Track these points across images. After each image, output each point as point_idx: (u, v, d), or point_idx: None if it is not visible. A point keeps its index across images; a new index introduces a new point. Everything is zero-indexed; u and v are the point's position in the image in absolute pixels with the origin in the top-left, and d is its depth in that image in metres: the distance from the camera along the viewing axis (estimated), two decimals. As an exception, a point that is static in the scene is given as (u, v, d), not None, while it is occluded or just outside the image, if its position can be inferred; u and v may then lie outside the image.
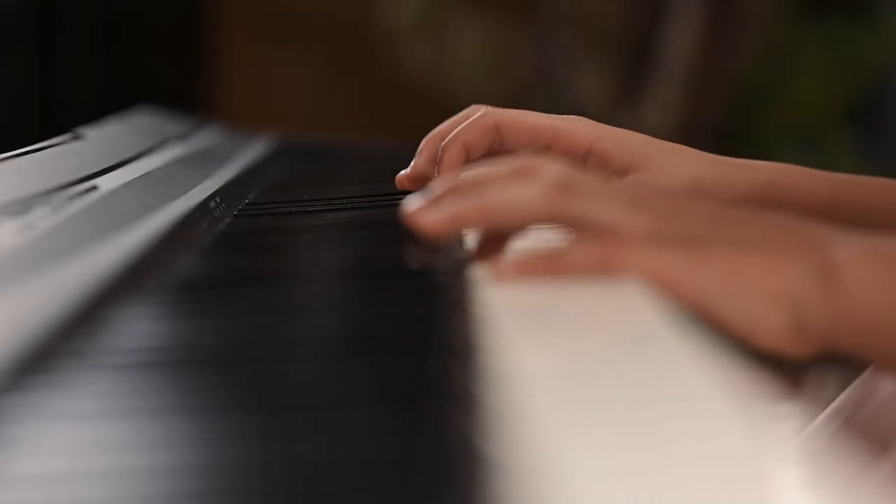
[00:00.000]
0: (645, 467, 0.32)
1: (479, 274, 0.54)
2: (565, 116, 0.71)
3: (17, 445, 0.35)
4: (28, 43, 2.99)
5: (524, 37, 2.65)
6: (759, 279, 0.51)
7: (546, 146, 0.69)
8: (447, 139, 0.69)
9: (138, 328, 0.47)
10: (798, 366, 1.85)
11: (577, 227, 0.53)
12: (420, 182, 0.71)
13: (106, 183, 0.70)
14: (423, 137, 0.75)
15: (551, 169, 0.52)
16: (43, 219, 0.57)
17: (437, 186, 0.55)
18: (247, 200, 0.81)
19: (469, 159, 0.68)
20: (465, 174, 0.56)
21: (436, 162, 0.69)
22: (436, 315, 0.47)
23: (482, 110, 0.70)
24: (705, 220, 0.53)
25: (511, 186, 0.52)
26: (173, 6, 3.30)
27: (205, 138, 1.06)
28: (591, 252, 0.52)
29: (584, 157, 0.69)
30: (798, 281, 0.51)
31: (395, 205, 0.74)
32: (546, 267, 0.52)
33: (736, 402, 0.36)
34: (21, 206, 0.59)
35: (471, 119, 0.69)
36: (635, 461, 0.32)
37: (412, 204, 0.54)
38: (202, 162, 0.92)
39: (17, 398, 0.38)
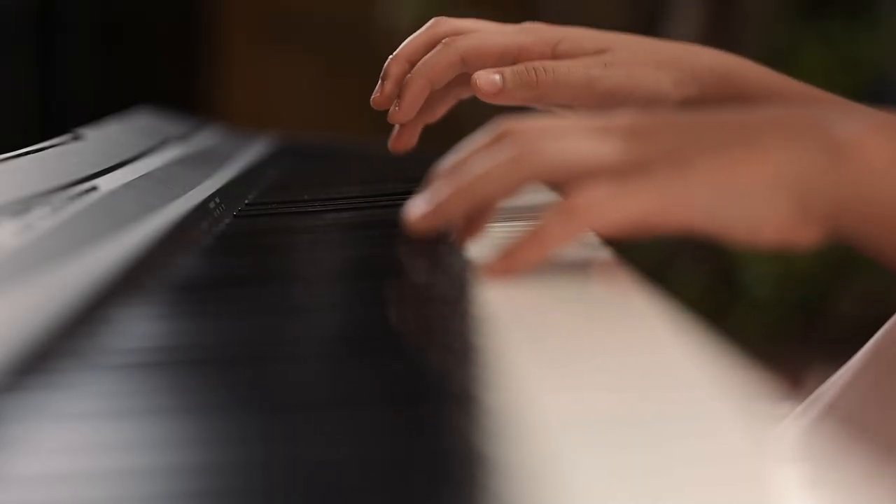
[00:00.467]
0: (645, 467, 0.32)
1: (479, 274, 0.54)
2: (523, 27, 0.72)
3: (17, 445, 0.35)
4: (28, 43, 2.99)
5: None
6: (750, 175, 0.49)
7: (512, 62, 0.71)
8: (412, 74, 0.70)
9: (138, 328, 0.47)
10: (798, 366, 1.85)
11: (556, 177, 0.52)
12: (387, 106, 0.73)
13: (106, 183, 0.70)
14: (422, 137, 0.75)
15: (522, 127, 0.52)
16: (43, 219, 0.57)
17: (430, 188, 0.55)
18: (246, 201, 0.81)
19: (433, 89, 0.71)
20: (447, 164, 0.56)
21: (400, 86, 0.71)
22: (436, 315, 0.47)
23: (445, 37, 0.71)
24: (681, 130, 0.51)
25: (488, 158, 0.52)
26: (173, 6, 3.30)
27: (205, 138, 1.06)
28: (567, 221, 0.50)
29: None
30: (796, 164, 0.49)
31: (395, 205, 0.74)
32: (531, 251, 0.52)
33: (736, 402, 0.36)
34: (21, 206, 0.59)
35: (434, 53, 0.70)
36: (635, 461, 0.32)
37: (411, 209, 0.54)
38: (202, 162, 0.92)
39: (17, 398, 0.38)
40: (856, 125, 0.51)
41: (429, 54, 0.71)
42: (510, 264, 0.52)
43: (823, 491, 0.30)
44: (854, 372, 0.60)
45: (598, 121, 0.53)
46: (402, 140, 0.75)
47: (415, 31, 0.74)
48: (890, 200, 0.50)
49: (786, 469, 0.32)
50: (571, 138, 0.52)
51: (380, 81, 0.73)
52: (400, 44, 0.73)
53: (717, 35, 2.54)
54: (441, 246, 0.57)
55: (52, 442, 0.36)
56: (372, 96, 0.74)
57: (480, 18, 0.75)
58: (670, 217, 0.49)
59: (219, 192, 0.79)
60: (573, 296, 0.51)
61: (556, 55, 0.70)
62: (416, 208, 0.54)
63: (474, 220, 0.56)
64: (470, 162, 0.53)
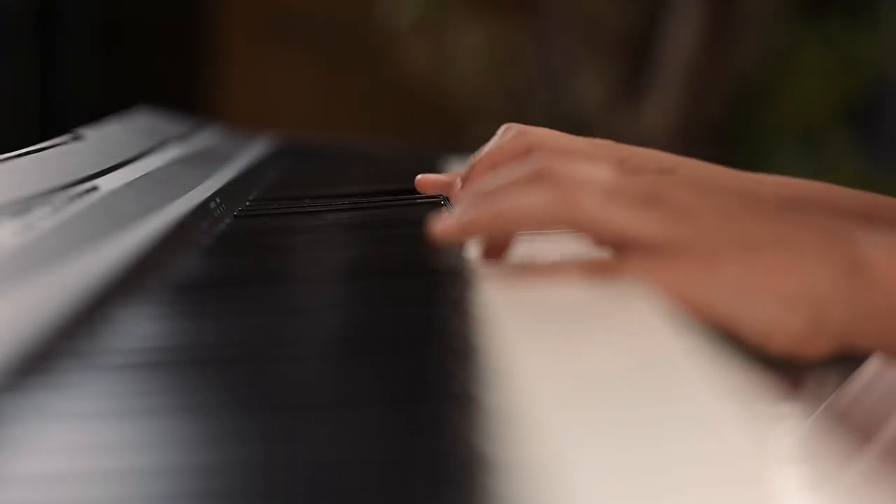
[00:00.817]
0: (645, 467, 0.32)
1: (481, 274, 0.54)
2: (595, 141, 0.70)
3: (17, 445, 0.35)
4: (28, 43, 2.99)
5: (524, 37, 2.65)
6: (775, 282, 0.50)
7: None
8: (478, 155, 0.68)
9: (138, 328, 0.47)
10: (798, 366, 1.85)
11: (589, 233, 0.53)
12: (438, 189, 0.71)
13: (106, 183, 0.70)
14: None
15: (565, 171, 0.52)
16: (43, 219, 0.57)
17: (461, 198, 0.55)
18: (247, 201, 0.81)
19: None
20: (485, 179, 0.57)
21: (461, 177, 0.69)
22: (436, 315, 0.47)
23: (516, 130, 0.69)
24: (721, 217, 0.52)
25: (524, 192, 0.52)
26: (173, 6, 3.30)
27: (205, 138, 1.06)
28: (600, 263, 0.52)
29: None
30: (819, 281, 0.50)
31: (396, 205, 0.73)
32: (557, 274, 0.52)
33: (736, 402, 0.36)
34: (21, 206, 0.59)
35: (504, 139, 0.68)
36: (635, 461, 0.32)
37: (440, 219, 0.54)
38: (202, 162, 0.92)
39: (17, 398, 0.38)
40: (880, 243, 0.51)
41: (497, 139, 0.69)
42: (536, 279, 0.53)
43: (823, 491, 0.30)
44: (869, 379, 0.61)
45: (645, 186, 0.53)
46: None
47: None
48: None
49: (786, 469, 0.32)
50: (616, 201, 0.52)
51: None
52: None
53: (717, 35, 2.54)
54: (441, 246, 0.57)
55: (52, 442, 0.36)
56: (422, 176, 0.72)
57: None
58: (690, 302, 0.51)
59: (219, 192, 0.79)
60: (573, 296, 0.51)
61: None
62: (445, 220, 0.54)
63: (499, 245, 0.57)
64: (507, 189, 0.53)
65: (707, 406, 0.37)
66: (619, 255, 0.52)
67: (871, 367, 0.61)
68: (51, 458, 0.35)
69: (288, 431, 0.36)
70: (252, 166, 0.98)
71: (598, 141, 0.70)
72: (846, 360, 0.61)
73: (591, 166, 0.53)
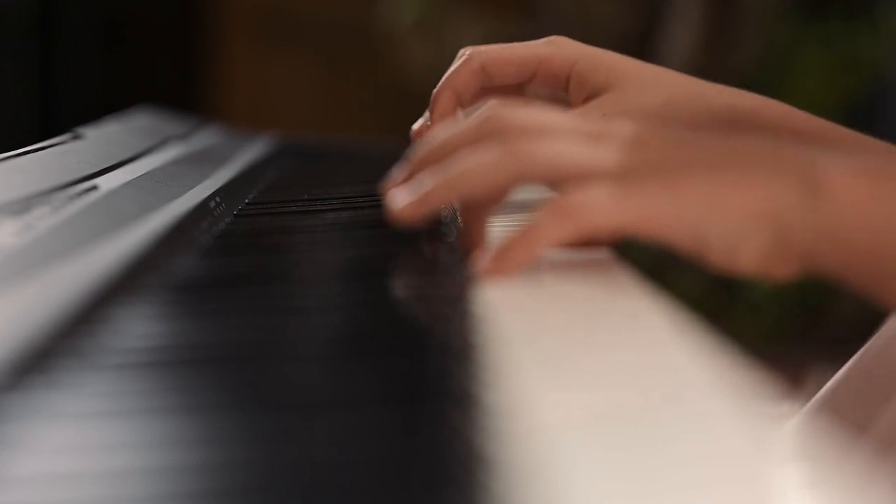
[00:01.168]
0: (645, 467, 0.32)
1: (479, 274, 0.54)
2: (547, 40, 0.71)
3: (17, 445, 0.35)
4: (28, 43, 2.99)
5: (524, 37, 2.65)
6: (738, 200, 0.50)
7: (532, 75, 0.70)
8: (437, 88, 0.70)
9: (138, 328, 0.47)
10: (798, 366, 1.85)
11: (546, 179, 0.52)
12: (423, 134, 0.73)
13: (106, 183, 0.70)
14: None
15: (512, 119, 0.52)
16: (43, 219, 0.57)
17: (408, 165, 0.55)
18: (247, 200, 0.81)
19: (461, 102, 0.70)
20: (430, 140, 0.56)
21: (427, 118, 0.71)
22: (436, 315, 0.47)
23: (467, 52, 0.71)
24: (675, 146, 0.52)
25: (473, 155, 0.52)
26: (173, 6, 3.30)
27: (205, 138, 1.06)
28: (559, 220, 0.51)
29: (566, 81, 0.70)
30: (781, 199, 0.50)
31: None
32: (523, 250, 0.52)
33: (736, 402, 0.36)
34: (21, 206, 0.59)
35: (456, 64, 0.71)
36: (635, 461, 0.32)
37: (390, 194, 0.54)
38: (202, 162, 0.92)
39: (17, 398, 0.38)
40: (839, 165, 0.51)
41: (451, 67, 0.71)
42: (503, 264, 0.52)
43: (823, 491, 0.30)
44: (847, 371, 0.61)
45: (594, 125, 0.53)
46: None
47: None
48: (866, 240, 0.50)
49: (786, 469, 0.32)
50: (566, 141, 0.52)
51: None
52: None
53: (717, 35, 2.54)
54: (441, 246, 0.57)
55: (52, 442, 0.36)
56: (414, 127, 0.73)
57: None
58: (656, 227, 0.50)
59: (219, 192, 0.79)
60: (573, 295, 0.51)
61: (570, 76, 0.70)
62: (400, 198, 0.54)
63: (473, 227, 0.56)
64: (456, 154, 0.53)
65: (707, 405, 0.37)
66: (581, 194, 0.50)
67: (862, 361, 0.61)
68: (51, 458, 0.35)
69: (287, 431, 0.36)
70: (252, 166, 0.98)
71: (554, 38, 0.71)
72: (846, 361, 0.61)
73: (537, 109, 0.53)
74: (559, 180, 0.52)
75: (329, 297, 0.57)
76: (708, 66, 2.53)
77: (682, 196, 0.50)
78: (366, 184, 0.89)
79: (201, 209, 0.73)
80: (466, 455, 0.32)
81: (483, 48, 0.71)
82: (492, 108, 0.54)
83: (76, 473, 0.33)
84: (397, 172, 0.57)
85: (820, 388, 0.61)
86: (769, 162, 0.51)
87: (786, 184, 0.50)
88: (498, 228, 0.61)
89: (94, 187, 0.68)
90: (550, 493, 0.30)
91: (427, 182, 0.53)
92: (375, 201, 0.78)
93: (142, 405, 0.40)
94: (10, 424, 0.36)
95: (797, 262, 0.51)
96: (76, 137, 0.82)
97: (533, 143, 0.51)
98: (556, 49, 0.71)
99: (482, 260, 0.53)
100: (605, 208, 0.50)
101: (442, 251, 0.57)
